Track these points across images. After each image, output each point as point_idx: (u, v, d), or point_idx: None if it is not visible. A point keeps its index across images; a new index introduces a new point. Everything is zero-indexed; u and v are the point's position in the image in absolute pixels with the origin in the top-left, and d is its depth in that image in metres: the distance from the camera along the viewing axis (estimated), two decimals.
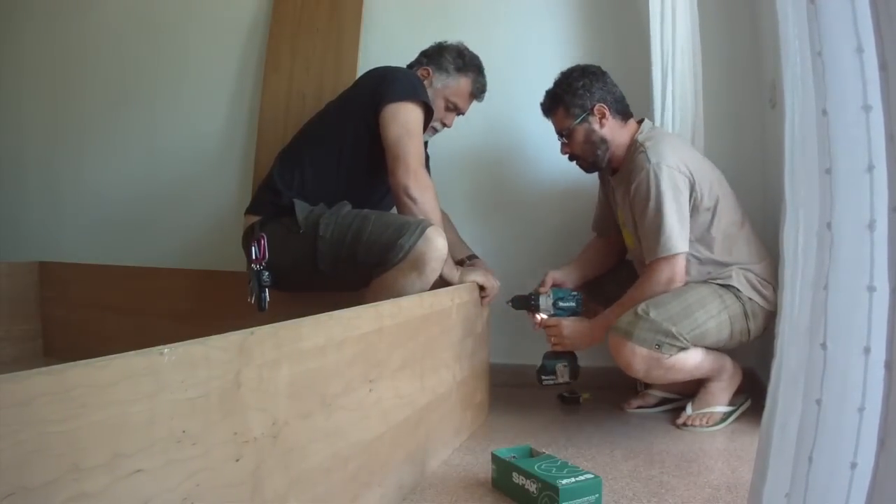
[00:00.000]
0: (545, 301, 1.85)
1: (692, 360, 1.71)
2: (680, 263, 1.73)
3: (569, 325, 1.85)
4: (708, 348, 1.74)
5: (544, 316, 1.87)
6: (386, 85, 1.79)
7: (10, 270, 2.50)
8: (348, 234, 1.68)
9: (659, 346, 1.65)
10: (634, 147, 1.83)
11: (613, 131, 1.86)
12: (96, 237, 2.79)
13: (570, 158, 1.95)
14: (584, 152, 1.90)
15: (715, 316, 1.70)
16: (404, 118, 1.76)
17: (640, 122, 1.91)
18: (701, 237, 1.78)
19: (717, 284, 1.75)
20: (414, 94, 1.80)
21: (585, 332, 1.84)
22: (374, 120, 1.78)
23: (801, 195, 0.77)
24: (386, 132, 1.75)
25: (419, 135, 1.79)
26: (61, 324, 2.52)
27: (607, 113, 1.85)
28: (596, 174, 2.05)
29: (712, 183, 1.80)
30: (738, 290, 1.74)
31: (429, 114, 1.85)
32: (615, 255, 2.08)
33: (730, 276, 1.75)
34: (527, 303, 1.89)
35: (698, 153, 1.91)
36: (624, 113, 1.89)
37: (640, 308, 1.67)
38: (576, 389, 2.11)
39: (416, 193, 1.70)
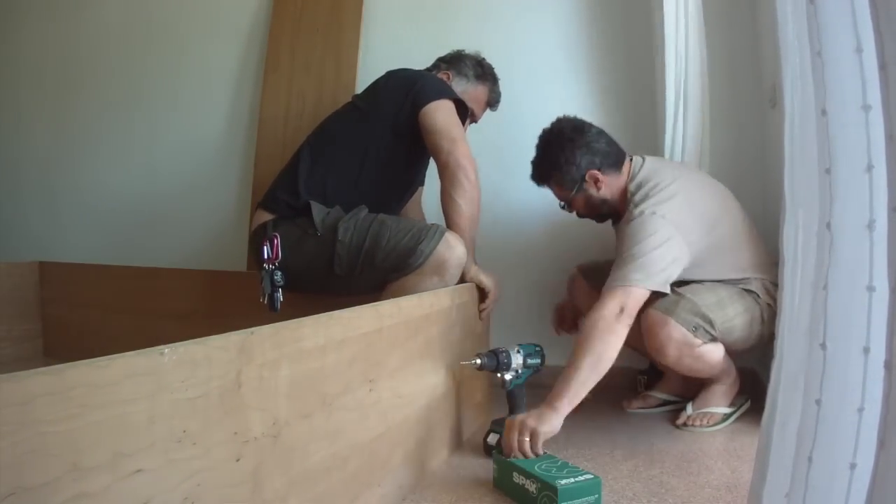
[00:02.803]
0: (516, 359, 1.58)
1: (716, 355, 1.72)
2: (635, 297, 1.56)
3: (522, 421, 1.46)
4: (727, 347, 1.75)
5: (507, 377, 1.57)
6: (419, 87, 1.81)
7: (10, 270, 2.50)
8: (367, 239, 1.68)
9: (696, 329, 1.65)
10: (627, 198, 1.77)
11: (611, 187, 1.81)
12: (96, 237, 2.80)
13: (579, 216, 1.94)
14: (589, 214, 1.90)
15: (741, 314, 1.71)
16: (449, 110, 1.79)
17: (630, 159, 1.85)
18: (713, 268, 1.75)
19: (740, 287, 1.75)
20: (449, 92, 1.84)
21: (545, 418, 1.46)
22: (406, 123, 1.79)
23: (801, 195, 0.77)
24: (433, 121, 1.76)
25: (461, 126, 1.82)
26: (61, 324, 2.52)
27: (600, 176, 1.79)
28: None
29: (712, 218, 1.73)
30: (757, 294, 1.74)
31: (462, 110, 1.86)
32: None
33: (749, 282, 1.75)
34: (496, 361, 1.56)
35: (694, 183, 1.79)
36: (616, 163, 1.81)
37: (679, 290, 1.67)
38: None
39: (472, 177, 1.72)
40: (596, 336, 1.51)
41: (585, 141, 1.79)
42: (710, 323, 1.66)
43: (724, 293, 1.72)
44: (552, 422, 1.44)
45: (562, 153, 1.79)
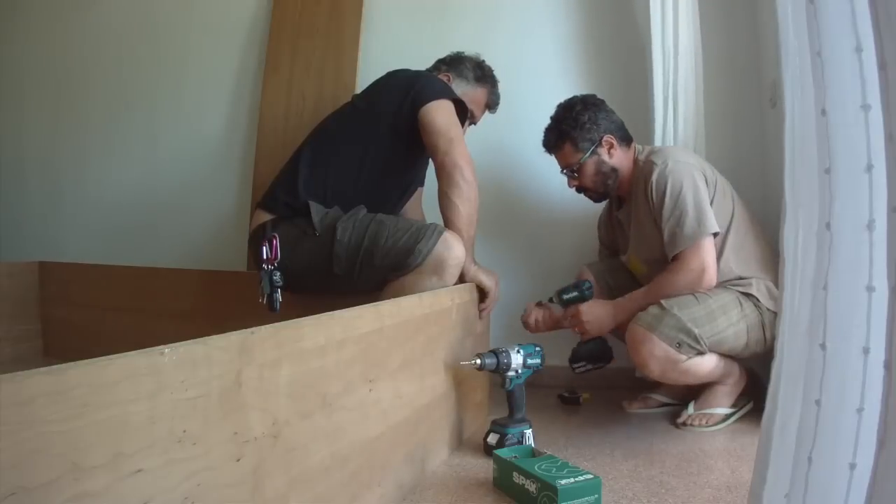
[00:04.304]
0: (516, 359, 1.61)
1: (706, 366, 1.71)
2: (708, 249, 1.71)
3: (588, 309, 1.83)
4: (721, 355, 1.74)
5: (507, 377, 1.60)
6: (419, 86, 1.82)
7: (10, 270, 2.50)
8: (366, 239, 1.69)
9: (679, 346, 1.65)
10: (637, 167, 1.87)
11: (621, 159, 1.89)
12: (96, 237, 2.79)
13: (579, 191, 1.96)
14: (595, 184, 1.91)
15: (734, 324, 1.70)
16: (448, 111, 1.79)
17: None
18: (719, 252, 1.76)
19: (739, 292, 1.74)
20: (449, 92, 1.84)
21: (607, 315, 1.83)
22: (406, 122, 1.79)
23: (801, 195, 0.77)
24: (432, 121, 1.76)
25: (460, 126, 1.82)
26: (61, 324, 2.52)
27: (615, 142, 1.87)
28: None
29: (725, 191, 1.81)
30: (757, 299, 1.72)
31: (461, 110, 1.86)
32: None
33: (750, 285, 1.74)
34: (496, 361, 1.58)
35: (707, 163, 1.90)
36: (627, 139, 1.91)
37: (665, 304, 1.67)
38: (576, 389, 2.11)
39: (469, 177, 1.73)
40: (679, 287, 1.71)
41: (606, 110, 1.91)
42: (696, 338, 1.65)
43: (718, 303, 1.70)
44: (606, 320, 1.83)
45: (585, 112, 1.87)
